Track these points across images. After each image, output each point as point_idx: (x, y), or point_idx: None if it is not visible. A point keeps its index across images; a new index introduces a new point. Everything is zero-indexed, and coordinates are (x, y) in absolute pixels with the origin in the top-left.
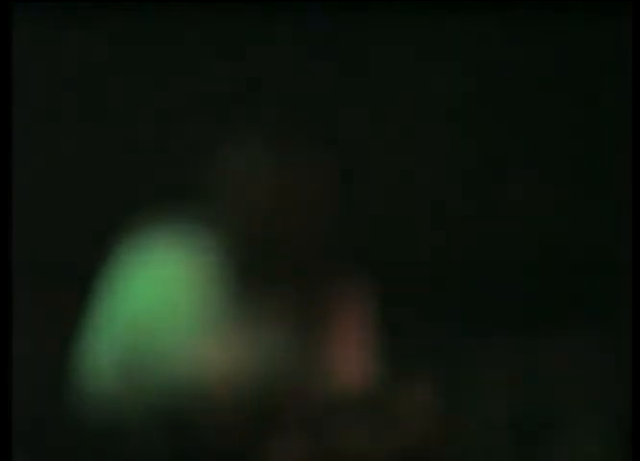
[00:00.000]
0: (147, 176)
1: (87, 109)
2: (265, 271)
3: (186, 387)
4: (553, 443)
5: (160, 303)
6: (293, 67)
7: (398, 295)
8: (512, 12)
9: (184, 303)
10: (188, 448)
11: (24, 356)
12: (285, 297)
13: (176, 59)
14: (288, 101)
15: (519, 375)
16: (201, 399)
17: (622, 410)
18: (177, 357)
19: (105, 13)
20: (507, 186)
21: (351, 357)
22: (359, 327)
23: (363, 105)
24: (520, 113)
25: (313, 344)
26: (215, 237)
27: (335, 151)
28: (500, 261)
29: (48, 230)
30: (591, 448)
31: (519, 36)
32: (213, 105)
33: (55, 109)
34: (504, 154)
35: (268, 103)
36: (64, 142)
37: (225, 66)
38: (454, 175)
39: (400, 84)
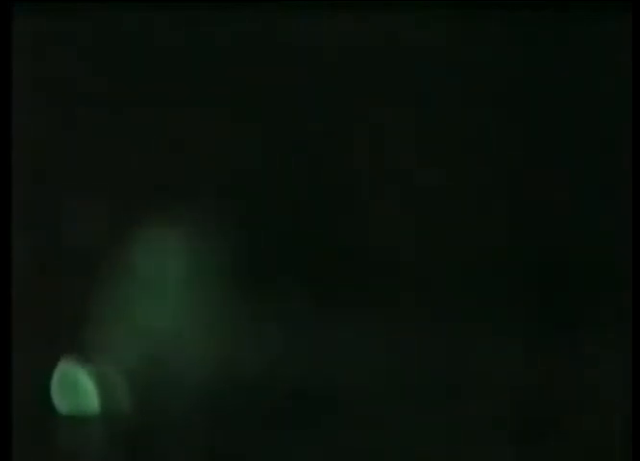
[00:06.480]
0: (150, 175)
1: (88, 109)
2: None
3: (197, 389)
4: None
5: (165, 303)
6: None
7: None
8: (513, 12)
9: (190, 303)
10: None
11: (24, 356)
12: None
13: (179, 59)
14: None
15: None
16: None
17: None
18: (179, 359)
19: (105, 12)
20: (507, 186)
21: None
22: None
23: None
24: (519, 113)
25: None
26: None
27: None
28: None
29: (48, 231)
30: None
31: (519, 36)
32: (219, 104)
33: (55, 108)
34: (504, 153)
35: (274, 101)
36: (64, 142)
37: (228, 65)
38: (453, 174)
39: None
